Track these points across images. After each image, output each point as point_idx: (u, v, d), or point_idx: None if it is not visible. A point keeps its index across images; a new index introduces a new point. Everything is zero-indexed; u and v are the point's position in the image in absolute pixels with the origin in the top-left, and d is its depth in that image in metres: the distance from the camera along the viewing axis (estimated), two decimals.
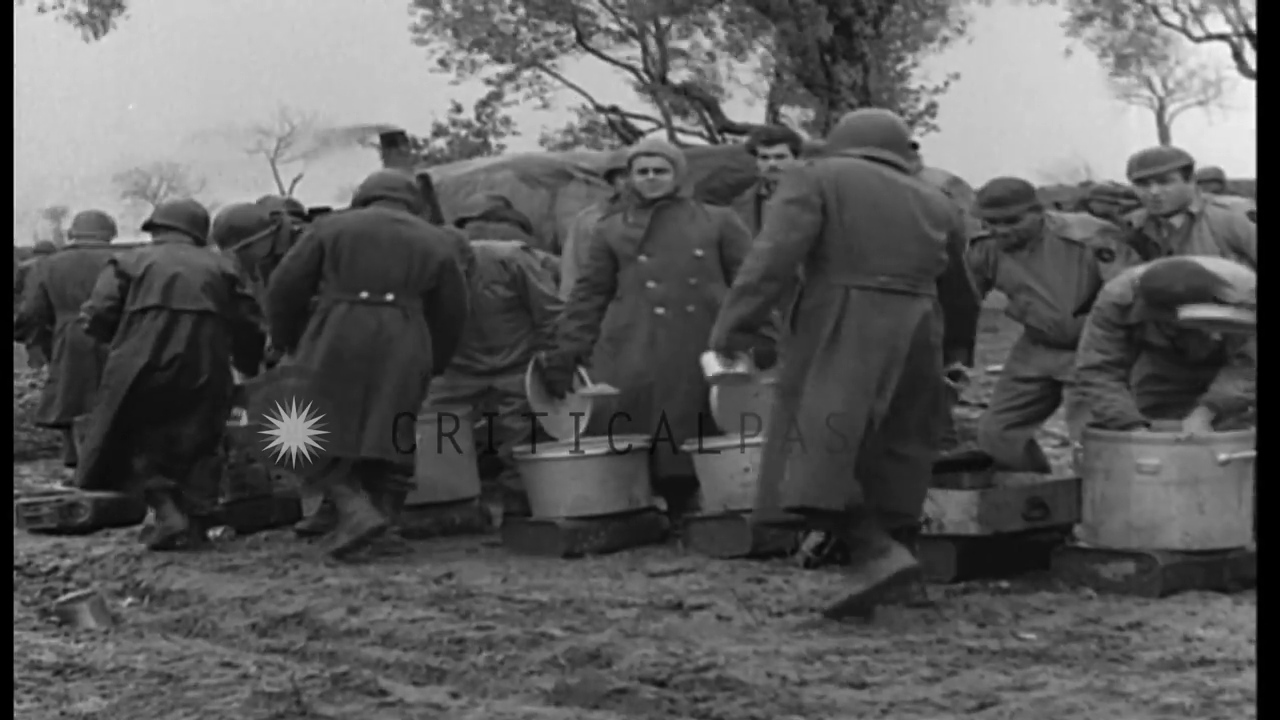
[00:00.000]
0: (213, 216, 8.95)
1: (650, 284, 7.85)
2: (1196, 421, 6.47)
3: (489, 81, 33.05)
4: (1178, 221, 7.19)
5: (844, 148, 6.18)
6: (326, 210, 9.26)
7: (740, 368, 6.06)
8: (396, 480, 7.84)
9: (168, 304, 8.21)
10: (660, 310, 7.80)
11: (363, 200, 8.00)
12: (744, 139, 13.95)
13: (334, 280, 7.69)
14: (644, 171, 8.01)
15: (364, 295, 7.64)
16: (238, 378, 8.49)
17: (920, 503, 6.22)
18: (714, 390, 7.24)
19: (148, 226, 8.72)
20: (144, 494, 8.33)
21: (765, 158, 8.58)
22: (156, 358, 8.13)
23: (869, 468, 5.89)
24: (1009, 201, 7.35)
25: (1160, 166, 7.20)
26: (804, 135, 10.83)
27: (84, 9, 26.24)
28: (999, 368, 8.22)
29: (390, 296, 7.66)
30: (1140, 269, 6.67)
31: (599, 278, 7.98)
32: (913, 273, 5.99)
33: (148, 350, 8.13)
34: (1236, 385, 6.49)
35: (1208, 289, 6.50)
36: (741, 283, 6.01)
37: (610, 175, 9.04)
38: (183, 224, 8.56)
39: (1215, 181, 9.94)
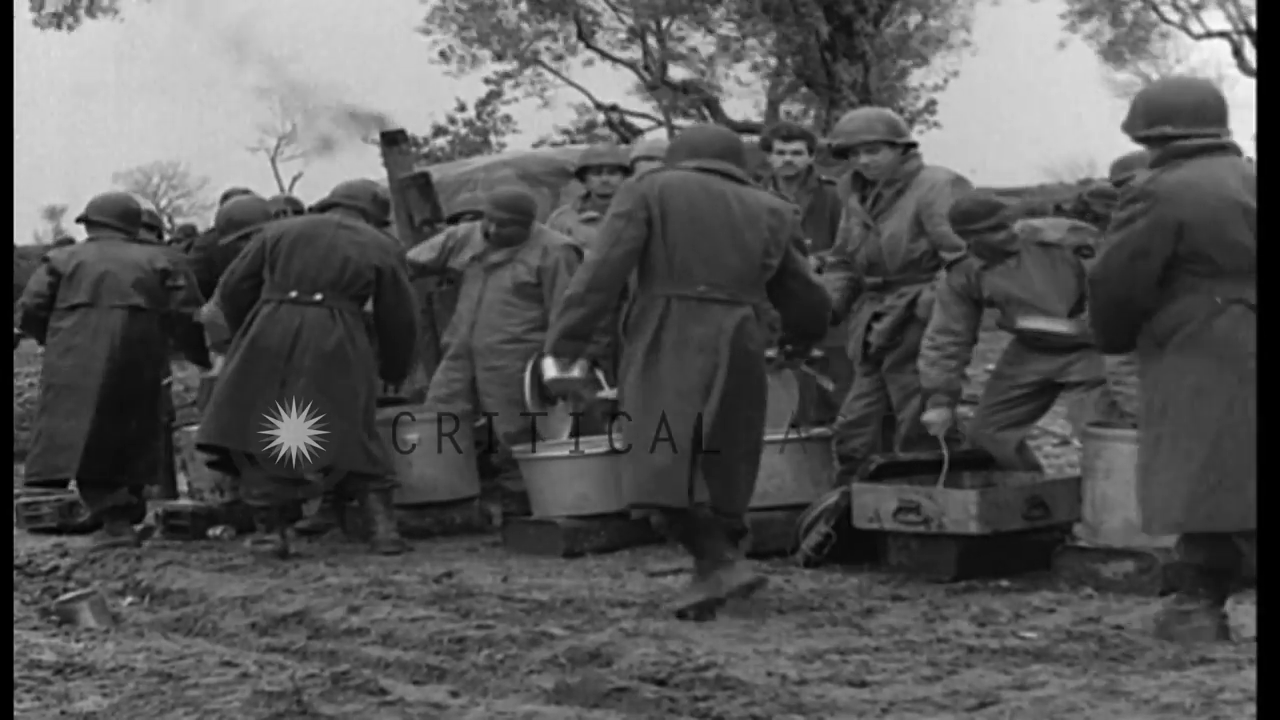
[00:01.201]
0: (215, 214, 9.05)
1: None
2: None
3: (488, 80, 33.08)
4: None
5: (679, 160, 6.40)
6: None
7: (575, 372, 6.42)
8: (377, 480, 7.86)
9: (96, 301, 8.35)
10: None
11: (322, 206, 8.19)
12: (743, 138, 13.94)
13: (269, 280, 7.84)
14: None
15: (293, 294, 7.78)
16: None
17: (740, 502, 6.31)
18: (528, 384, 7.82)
19: (80, 220, 8.79)
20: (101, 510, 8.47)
21: (781, 153, 8.59)
22: (90, 354, 8.26)
23: (705, 468, 6.13)
24: (994, 210, 7.25)
25: (1122, 174, 7.09)
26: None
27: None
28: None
29: (319, 296, 7.78)
30: None
31: None
32: (731, 283, 6.21)
33: (80, 347, 8.28)
34: None
35: None
36: (569, 294, 6.35)
37: (581, 173, 9.02)
38: (114, 219, 8.66)
39: None
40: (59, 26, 26.79)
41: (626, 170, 8.62)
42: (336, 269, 7.82)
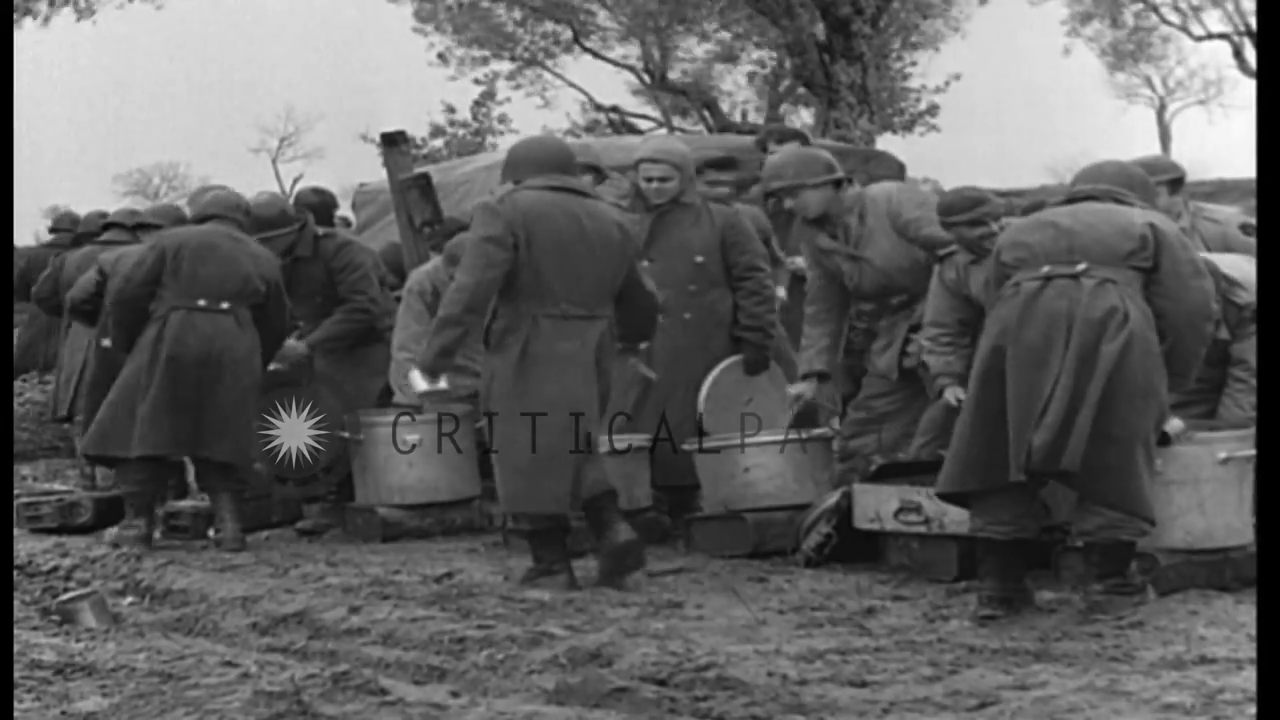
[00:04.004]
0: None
1: None
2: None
3: (478, 81, 33.05)
4: None
5: (523, 176, 6.87)
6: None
7: (441, 384, 6.89)
8: (237, 479, 8.17)
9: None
10: (659, 318, 7.77)
11: (199, 218, 8.55)
12: (742, 138, 13.92)
13: (173, 287, 8.15)
14: (649, 179, 8.04)
15: (201, 303, 8.12)
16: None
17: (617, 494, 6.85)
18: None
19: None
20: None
21: (775, 154, 8.57)
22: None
23: (598, 472, 6.75)
24: (973, 205, 7.20)
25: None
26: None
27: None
28: None
29: (225, 305, 8.15)
30: None
31: None
32: (589, 299, 6.76)
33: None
34: (1244, 404, 6.52)
35: (1217, 287, 6.51)
36: (444, 315, 6.77)
37: None
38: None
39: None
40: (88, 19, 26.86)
41: (596, 170, 8.49)
42: (239, 280, 8.17)
